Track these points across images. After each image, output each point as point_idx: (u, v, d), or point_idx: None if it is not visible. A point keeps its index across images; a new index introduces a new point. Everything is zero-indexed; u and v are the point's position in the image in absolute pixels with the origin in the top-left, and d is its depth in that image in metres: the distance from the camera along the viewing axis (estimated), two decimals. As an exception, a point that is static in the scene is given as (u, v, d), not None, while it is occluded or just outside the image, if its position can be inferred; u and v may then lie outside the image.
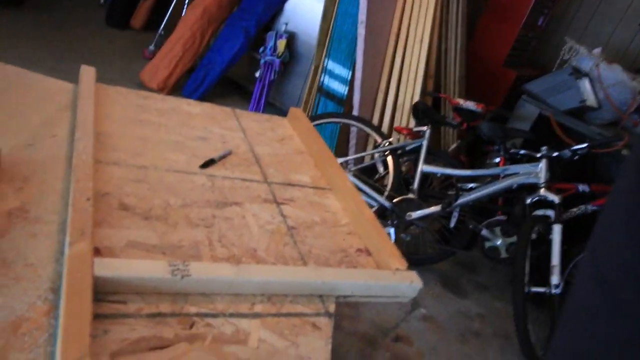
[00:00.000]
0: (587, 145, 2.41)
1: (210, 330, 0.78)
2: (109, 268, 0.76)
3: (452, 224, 2.47)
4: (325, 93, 3.36)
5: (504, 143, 2.52)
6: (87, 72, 1.38)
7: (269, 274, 0.89)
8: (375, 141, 2.77)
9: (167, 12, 4.44)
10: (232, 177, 1.23)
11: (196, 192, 1.12)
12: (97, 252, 0.83)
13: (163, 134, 1.31)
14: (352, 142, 3.10)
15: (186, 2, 4.27)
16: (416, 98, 3.06)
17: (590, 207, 2.45)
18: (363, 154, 2.89)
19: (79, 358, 0.61)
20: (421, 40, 3.06)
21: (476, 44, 3.72)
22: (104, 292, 0.76)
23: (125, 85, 1.50)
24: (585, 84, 2.96)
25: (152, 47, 4.39)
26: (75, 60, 3.79)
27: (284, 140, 1.53)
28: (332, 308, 0.94)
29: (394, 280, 1.02)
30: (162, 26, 4.42)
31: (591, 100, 2.97)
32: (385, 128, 3.09)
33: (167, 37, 3.89)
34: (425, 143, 2.55)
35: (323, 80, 3.37)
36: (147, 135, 1.27)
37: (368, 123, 2.85)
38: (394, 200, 2.50)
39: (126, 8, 4.98)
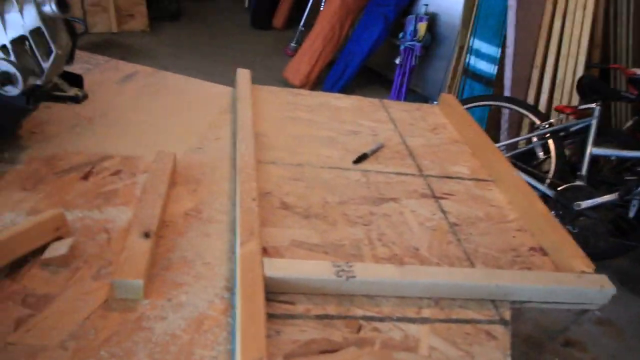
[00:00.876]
0: None
1: (378, 334, 0.75)
2: (278, 268, 0.77)
3: (631, 214, 2.13)
4: (472, 74, 3.16)
5: (699, 117, 2.10)
6: (243, 75, 1.44)
7: (436, 276, 0.83)
8: (533, 123, 2.51)
9: (306, 8, 4.55)
10: (386, 171, 1.19)
11: (351, 188, 1.10)
12: (264, 251, 0.85)
13: (315, 130, 1.31)
14: (504, 126, 2.86)
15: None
16: (580, 72, 2.71)
17: None
18: (519, 138, 2.65)
19: (258, 359, 0.62)
20: (584, 5, 2.70)
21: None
22: (273, 291, 0.77)
23: (270, 84, 1.54)
24: None
25: (293, 44, 4.55)
26: (227, 63, 4.09)
27: (436, 130, 1.45)
28: (507, 315, 0.85)
29: (580, 284, 0.89)
30: (301, 23, 4.55)
31: None
32: (542, 108, 2.80)
33: (308, 33, 4.00)
34: (594, 122, 2.24)
35: (469, 61, 3.16)
36: (301, 133, 1.28)
37: (523, 104, 2.60)
38: (559, 189, 2.24)
39: (268, 9, 5.24)
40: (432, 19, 3.46)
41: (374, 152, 1.26)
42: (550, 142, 2.34)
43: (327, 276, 0.77)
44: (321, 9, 4.06)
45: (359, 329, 0.75)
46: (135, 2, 4.47)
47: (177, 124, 1.21)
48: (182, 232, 0.85)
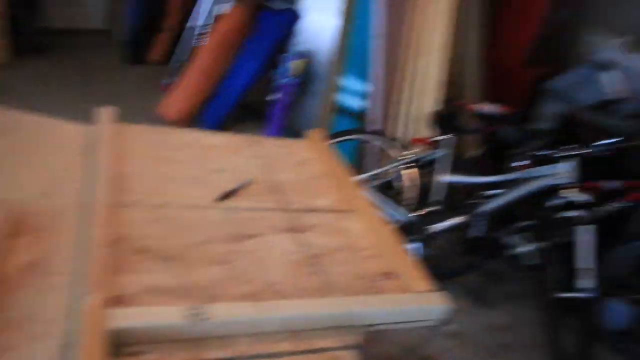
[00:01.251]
0: (621, 140, 2.29)
1: (232, 375, 0.76)
2: (124, 318, 0.75)
3: (477, 234, 2.39)
4: (342, 110, 3.35)
5: (527, 145, 2.44)
6: (105, 113, 1.39)
7: (291, 310, 0.87)
8: (394, 155, 2.73)
9: (183, 42, 4.50)
10: (251, 208, 1.22)
11: (215, 227, 1.10)
12: (115, 300, 0.82)
13: (182, 169, 1.31)
14: (372, 157, 3.06)
15: (202, 32, 4.31)
16: (433, 107, 3.01)
17: (622, 204, 2.34)
18: (382, 169, 2.85)
19: (97, 418, 0.60)
20: (435, 48, 3.03)
21: (495, 45, 3.65)
22: (121, 344, 0.74)
23: (145, 120, 1.51)
24: (613, 76, 2.87)
25: (170, 79, 4.45)
26: (98, 99, 3.87)
27: (303, 165, 1.51)
28: (358, 339, 0.91)
29: (422, 304, 0.98)
30: (178, 58, 4.49)
31: (620, 92, 2.88)
32: (404, 140, 3.05)
33: (185, 67, 3.95)
34: (446, 152, 2.49)
35: (339, 97, 3.36)
36: (166, 172, 1.27)
37: (385, 137, 2.82)
38: (417, 214, 2.44)
39: (143, 43, 5.09)
40: (307, 57, 3.62)
41: (241, 188, 1.28)
42: (410, 171, 2.56)
43: (178, 321, 0.77)
44: (198, 44, 4.06)
45: (212, 372, 0.75)
46: (-9, 33, 4.10)
47: (25, 168, 1.13)
48: (18, 288, 0.79)
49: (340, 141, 2.76)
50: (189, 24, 4.40)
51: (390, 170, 2.79)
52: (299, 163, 1.52)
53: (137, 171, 1.23)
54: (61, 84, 4.14)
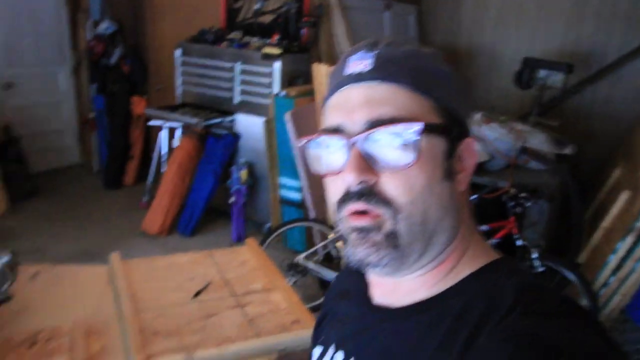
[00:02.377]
0: (477, 196, 3.24)
1: None
2: (155, 365, 1.56)
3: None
4: (286, 202, 4.26)
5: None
6: (115, 257, 2.23)
7: (240, 347, 1.69)
8: (329, 234, 3.62)
9: (152, 165, 5.40)
10: (213, 298, 2.05)
11: (193, 312, 1.93)
12: (148, 357, 1.62)
13: (168, 282, 2.14)
14: (315, 236, 3.94)
15: (164, 159, 5.20)
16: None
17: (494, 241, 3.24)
18: (322, 245, 3.72)
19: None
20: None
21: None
22: (154, 377, 1.55)
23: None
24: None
25: (145, 198, 5.33)
26: (91, 226, 4.67)
27: (244, 264, 2.37)
28: (274, 356, 1.73)
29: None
30: (149, 179, 5.39)
31: (482, 156, 3.87)
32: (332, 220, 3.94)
33: (156, 186, 4.84)
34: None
35: (282, 193, 4.27)
36: (160, 286, 2.10)
37: (317, 220, 3.72)
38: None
39: (117, 169, 6.00)
40: (250, 165, 4.57)
41: (205, 288, 2.12)
42: (339, 244, 3.44)
43: (180, 361, 1.58)
44: (163, 169, 4.98)
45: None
46: (-11, 189, 4.93)
47: (78, 301, 1.95)
48: (100, 361, 1.60)
49: (291, 227, 3.65)
50: (154, 152, 5.35)
51: (328, 245, 3.67)
52: (241, 263, 2.38)
53: (143, 290, 2.06)
54: (56, 219, 4.95)
